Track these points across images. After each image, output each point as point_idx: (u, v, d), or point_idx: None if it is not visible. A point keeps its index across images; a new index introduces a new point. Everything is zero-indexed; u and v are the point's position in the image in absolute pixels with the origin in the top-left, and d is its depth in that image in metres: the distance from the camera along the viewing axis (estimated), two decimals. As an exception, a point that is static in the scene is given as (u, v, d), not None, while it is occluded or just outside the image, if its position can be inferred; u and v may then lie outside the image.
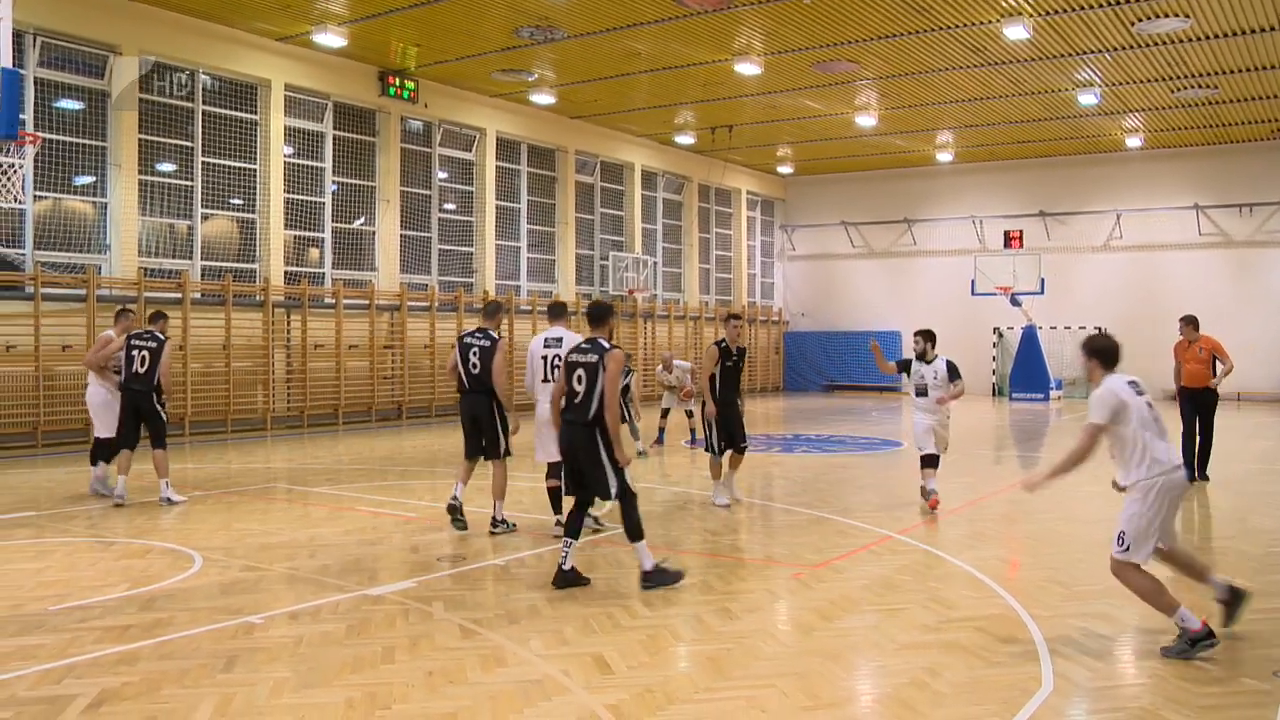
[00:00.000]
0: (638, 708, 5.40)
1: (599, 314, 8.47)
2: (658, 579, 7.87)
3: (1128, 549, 6.43)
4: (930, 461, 11.81)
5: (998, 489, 13.61)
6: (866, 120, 28.03)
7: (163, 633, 6.72)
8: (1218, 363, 14.08)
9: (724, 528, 10.82)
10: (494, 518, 10.10)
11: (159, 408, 11.89)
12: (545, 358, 9.94)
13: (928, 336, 12.65)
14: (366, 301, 22.74)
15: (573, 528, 8.06)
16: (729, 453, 11.95)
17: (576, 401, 8.02)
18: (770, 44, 21.30)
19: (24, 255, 17.75)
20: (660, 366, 18.47)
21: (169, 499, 11.78)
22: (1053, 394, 31.86)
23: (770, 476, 15.03)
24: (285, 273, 21.63)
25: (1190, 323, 14.50)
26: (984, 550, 9.48)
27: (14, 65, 7.11)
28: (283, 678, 5.83)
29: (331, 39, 20.72)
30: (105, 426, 12.17)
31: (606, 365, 7.94)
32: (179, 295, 19.41)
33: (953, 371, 12.21)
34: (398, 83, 23.38)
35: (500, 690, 5.64)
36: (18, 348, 17.32)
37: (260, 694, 5.58)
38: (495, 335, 10.39)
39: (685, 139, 31.38)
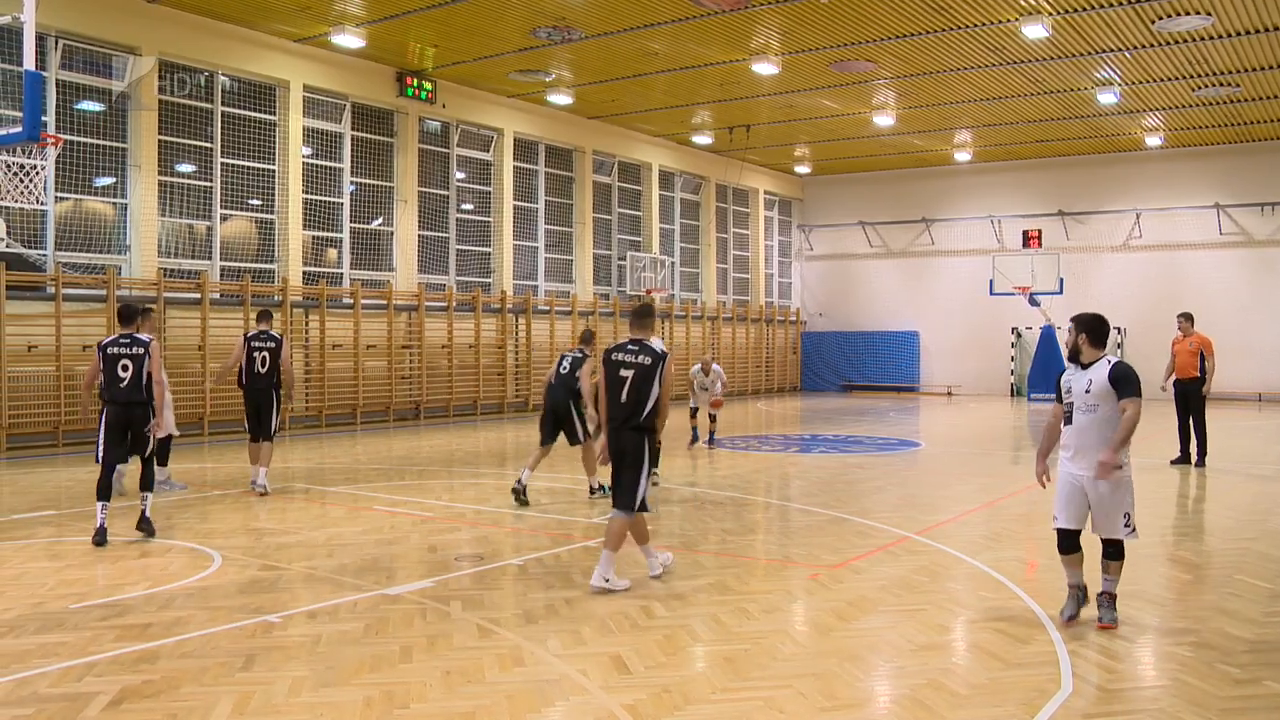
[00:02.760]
0: (655, 708, 5.40)
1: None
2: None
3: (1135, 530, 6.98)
4: (1113, 552, 7.06)
5: (1015, 490, 13.54)
6: (884, 120, 27.96)
7: (182, 631, 6.75)
8: (1204, 360, 15.26)
9: (741, 528, 10.81)
10: (591, 486, 12.18)
11: (276, 404, 12.71)
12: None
13: (1086, 326, 7.19)
14: (384, 302, 22.80)
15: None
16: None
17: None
18: (787, 43, 21.27)
19: (45, 256, 17.87)
20: (698, 366, 18.23)
21: (264, 487, 12.39)
22: (1072, 394, 31.66)
23: (787, 477, 15.01)
24: (303, 273, 21.72)
25: (1187, 318, 16.03)
26: (1002, 551, 9.44)
27: (36, 68, 7.14)
28: (301, 676, 5.85)
29: (350, 40, 20.79)
30: (170, 425, 12.40)
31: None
32: (198, 296, 19.50)
33: (1122, 383, 6.89)
34: (415, 83, 23.44)
35: (518, 690, 5.65)
36: (39, 348, 17.43)
37: (279, 692, 5.60)
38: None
39: (702, 139, 31.36)
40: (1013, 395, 33.94)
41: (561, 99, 26.09)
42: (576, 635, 6.68)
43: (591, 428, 11.62)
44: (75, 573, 8.44)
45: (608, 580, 7.74)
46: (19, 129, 7.34)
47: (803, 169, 36.98)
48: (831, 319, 38.42)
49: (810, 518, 11.25)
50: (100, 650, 6.33)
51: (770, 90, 25.12)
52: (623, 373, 7.93)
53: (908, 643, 6.58)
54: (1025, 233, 33.91)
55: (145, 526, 9.80)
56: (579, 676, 5.87)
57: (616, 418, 7.95)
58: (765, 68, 22.62)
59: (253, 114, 21.09)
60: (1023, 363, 33.98)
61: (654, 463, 8.18)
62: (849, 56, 22.05)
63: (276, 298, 20.73)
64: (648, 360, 7.88)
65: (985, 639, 6.64)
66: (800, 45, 21.31)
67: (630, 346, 8.01)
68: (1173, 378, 15.84)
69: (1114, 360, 7.06)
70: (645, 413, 7.86)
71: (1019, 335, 34.25)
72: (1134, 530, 6.94)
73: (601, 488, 11.91)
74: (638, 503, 7.87)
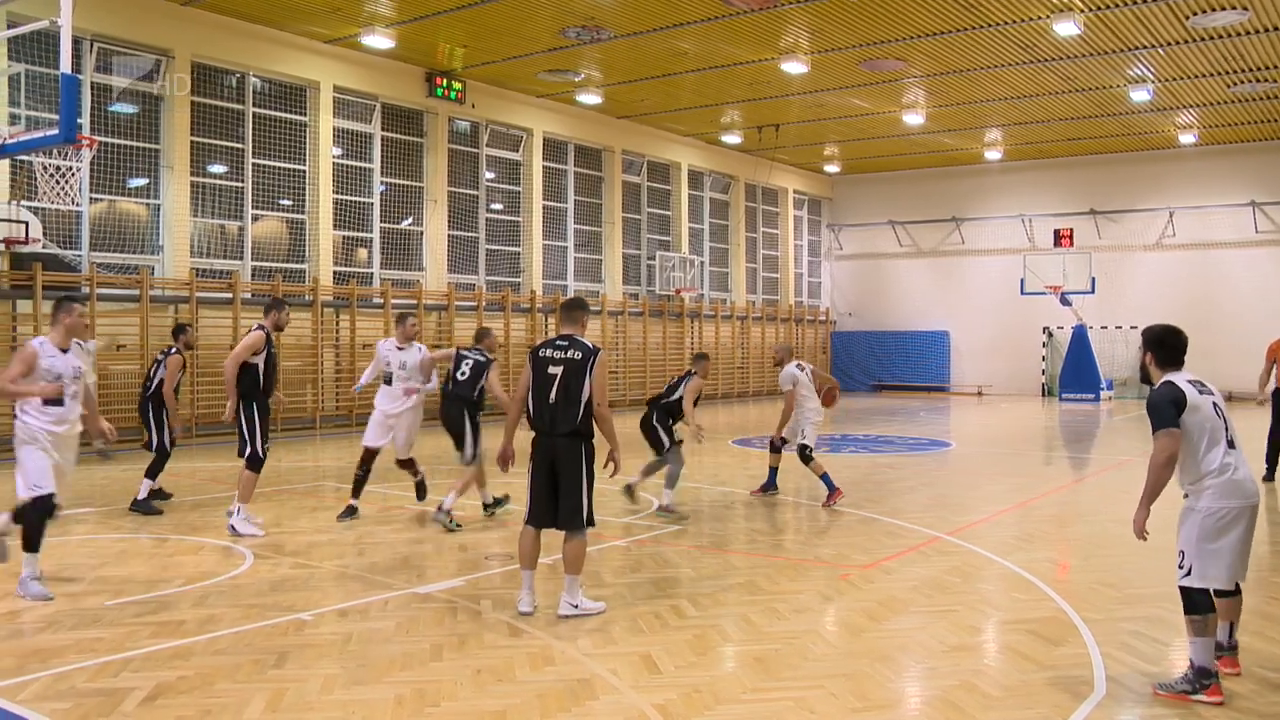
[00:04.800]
0: (686, 708, 5.40)
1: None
2: None
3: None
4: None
5: (1047, 490, 13.46)
6: (914, 118, 27.84)
7: (215, 628, 6.81)
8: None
9: (771, 528, 10.80)
10: (484, 502, 11.16)
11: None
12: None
13: (1154, 341, 6.04)
14: (414, 301, 22.89)
15: None
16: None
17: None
18: (817, 42, 21.20)
19: (80, 256, 18.05)
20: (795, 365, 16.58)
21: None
22: (1103, 394, 31.47)
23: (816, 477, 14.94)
24: (334, 273, 21.84)
25: None
26: (1034, 552, 9.38)
27: (72, 71, 7.22)
28: (332, 674, 5.89)
29: (379, 41, 20.89)
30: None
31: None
32: (229, 295, 19.65)
33: (1149, 415, 5.84)
34: (445, 84, 23.53)
35: (548, 689, 5.66)
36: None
37: (311, 690, 5.64)
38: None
39: (732, 138, 31.32)
40: (1044, 395, 33.70)
41: (591, 99, 26.12)
42: (607, 635, 6.68)
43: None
44: (111, 569, 8.53)
45: (576, 606, 7.10)
46: (55, 131, 7.41)
47: (832, 168, 36.86)
48: (861, 319, 38.28)
49: (840, 518, 11.22)
50: (136, 646, 6.39)
51: (799, 89, 25.05)
52: (551, 370, 7.17)
53: (939, 644, 6.55)
54: (1057, 231, 33.68)
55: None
56: (609, 676, 5.88)
57: (544, 422, 7.17)
58: (794, 67, 22.56)
59: (283, 115, 21.23)
60: (1054, 363, 33.74)
61: (592, 476, 7.23)
62: (879, 55, 21.95)
63: (307, 297, 20.85)
64: (578, 355, 7.16)
65: (1017, 640, 6.60)
66: (829, 44, 21.24)
67: (560, 342, 7.28)
68: (1273, 385, 13.97)
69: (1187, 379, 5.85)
70: (580, 415, 7.09)
71: (1050, 335, 34.01)
72: (1187, 573, 5.69)
73: (496, 501, 11.09)
74: (587, 516, 7.15)
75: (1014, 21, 19.50)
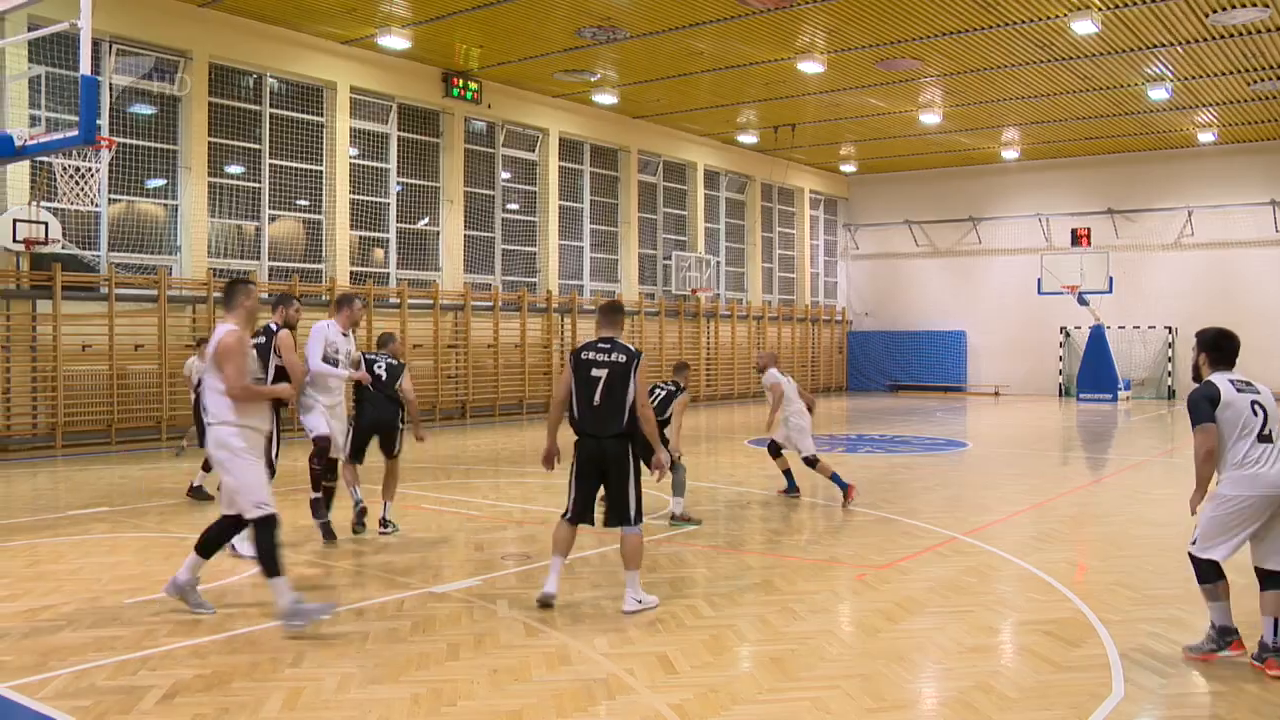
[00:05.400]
0: (702, 707, 5.39)
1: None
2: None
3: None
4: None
5: (1064, 491, 13.41)
6: (930, 118, 27.79)
7: (232, 627, 6.84)
8: None
9: (788, 528, 10.78)
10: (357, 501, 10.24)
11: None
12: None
13: (1209, 344, 6.40)
14: (431, 301, 22.94)
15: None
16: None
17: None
18: (832, 42, 21.18)
19: (99, 257, 18.15)
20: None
21: None
22: (1121, 394, 31.32)
23: (833, 477, 14.93)
24: (351, 273, 21.90)
25: None
26: (1051, 553, 9.33)
27: (91, 72, 7.24)
28: (349, 673, 5.90)
29: (395, 41, 20.95)
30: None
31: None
32: (248, 295, 19.68)
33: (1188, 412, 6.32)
34: (461, 84, 23.58)
35: (565, 689, 5.66)
36: (93, 347, 17.71)
37: (327, 688, 5.65)
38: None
39: (747, 138, 31.30)
40: (1061, 395, 33.57)
41: (606, 99, 26.14)
42: (623, 634, 6.68)
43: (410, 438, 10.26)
44: (130, 568, 8.58)
45: (640, 601, 7.30)
46: (75, 133, 7.43)
47: (848, 168, 36.80)
48: (878, 318, 38.20)
49: (856, 518, 11.19)
50: (154, 645, 6.42)
51: (815, 89, 25.03)
52: (594, 372, 7.33)
53: (956, 644, 6.53)
54: (1074, 231, 33.53)
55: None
56: (626, 676, 5.88)
57: (590, 424, 7.33)
58: (810, 66, 22.54)
59: (300, 115, 21.30)
60: (1071, 363, 33.61)
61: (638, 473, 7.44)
62: (895, 54, 21.92)
63: (324, 297, 20.91)
64: (622, 359, 7.34)
65: (1034, 642, 6.57)
66: (845, 44, 21.21)
67: (602, 345, 7.44)
68: None
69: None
70: (626, 417, 7.28)
71: (1068, 335, 33.87)
72: (1193, 542, 6.21)
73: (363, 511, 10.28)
74: (636, 514, 7.33)
75: (1031, 20, 19.44)
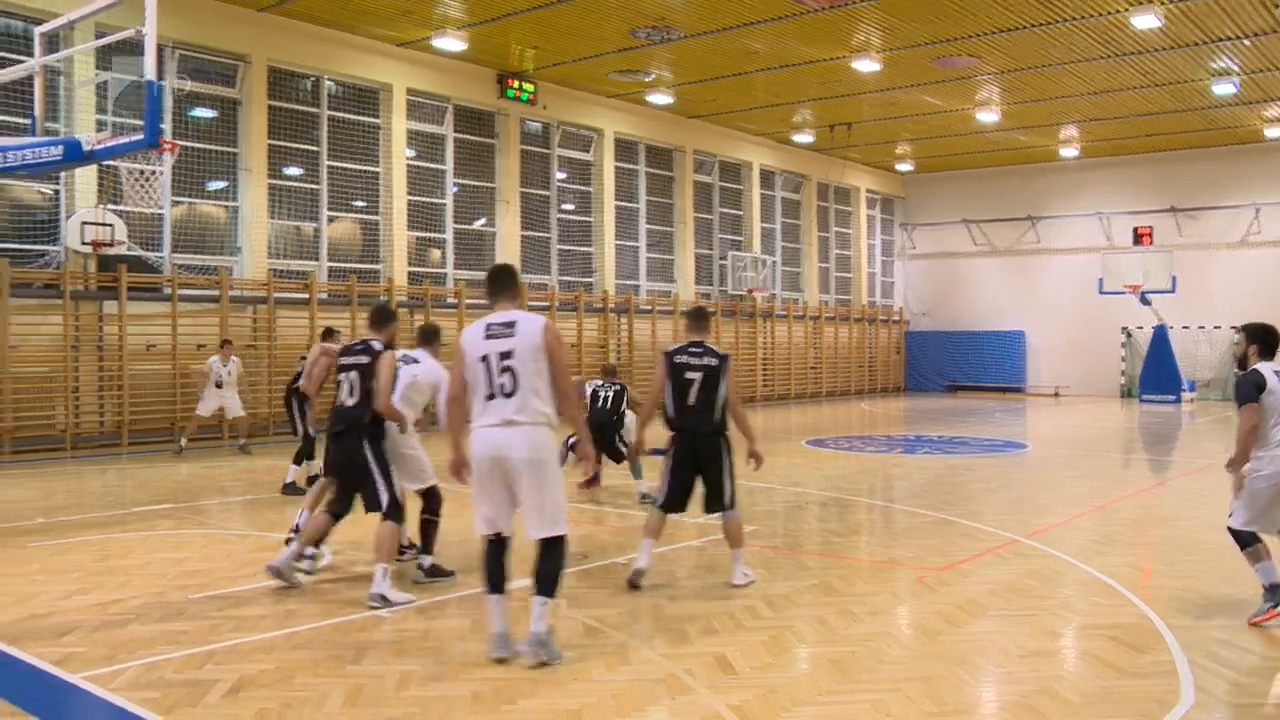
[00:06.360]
0: (761, 709, 5.37)
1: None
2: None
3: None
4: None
5: (1127, 493, 13.20)
6: (988, 116, 27.49)
7: (294, 623, 6.92)
8: None
9: (846, 529, 10.73)
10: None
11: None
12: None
13: (1258, 337, 7.29)
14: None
15: None
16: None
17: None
18: (888, 40, 21.01)
19: (162, 258, 18.46)
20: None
21: None
22: (1185, 395, 30.77)
23: (891, 478, 14.85)
24: (408, 273, 22.08)
25: None
26: (1114, 556, 9.19)
27: (156, 78, 7.36)
28: (409, 670, 5.95)
29: (451, 43, 21.09)
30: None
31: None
32: (306, 296, 19.95)
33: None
34: (516, 85, 23.67)
35: (624, 689, 5.67)
36: (156, 346, 18.02)
37: (388, 685, 5.70)
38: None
39: (803, 137, 31.15)
40: (1123, 397, 33.05)
41: (661, 99, 26.14)
42: (681, 635, 6.68)
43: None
44: (195, 564, 8.71)
45: (746, 575, 7.97)
46: (140, 137, 7.56)
47: (905, 166, 36.52)
48: (935, 318, 37.85)
49: (915, 519, 11.10)
50: (219, 639, 6.52)
51: (871, 87, 24.85)
52: (688, 375, 7.93)
53: (1017, 648, 6.45)
54: (1136, 229, 33.02)
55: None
56: (685, 676, 5.87)
57: (687, 422, 7.94)
58: (866, 65, 22.40)
59: (358, 117, 21.52)
60: (1134, 363, 33.07)
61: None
62: (952, 52, 21.71)
63: (382, 298, 21.11)
64: (714, 362, 7.95)
65: (1098, 647, 6.47)
66: (901, 41, 21.04)
67: (693, 349, 8.01)
68: None
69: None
70: (718, 415, 7.93)
71: (1129, 335, 33.34)
72: (1230, 515, 7.21)
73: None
74: (730, 500, 7.99)
75: (1091, 15, 19.16)
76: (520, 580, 6.65)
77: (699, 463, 7.95)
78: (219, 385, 16.78)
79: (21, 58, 8.35)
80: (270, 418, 19.00)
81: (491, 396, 6.12)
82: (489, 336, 6.18)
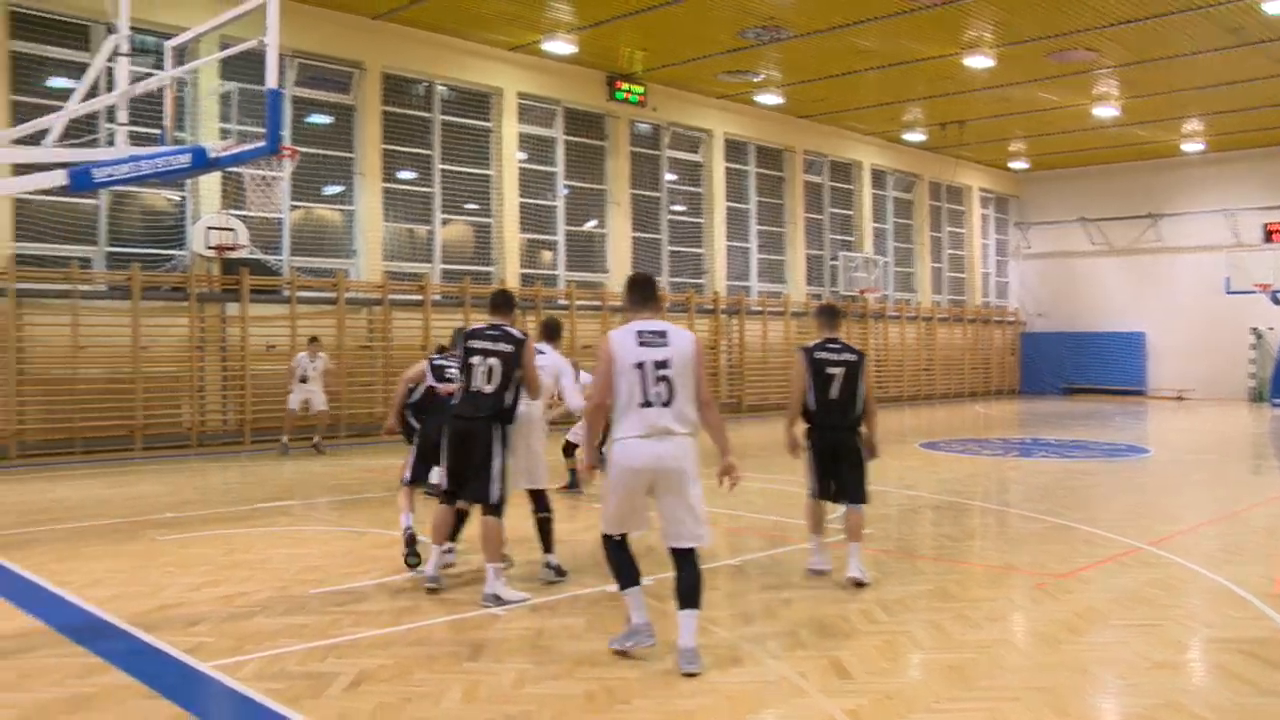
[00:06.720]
0: (877, 714, 5.30)
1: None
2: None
3: None
4: None
5: (1257, 501, 12.71)
6: (1106, 111, 26.75)
7: (411, 620, 7.04)
8: None
9: (961, 533, 10.53)
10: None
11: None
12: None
13: None
14: (599, 303, 23.20)
15: None
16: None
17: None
18: (1002, 35, 20.59)
19: (281, 261, 18.96)
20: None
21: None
22: (1320, 400, 29.53)
23: (1007, 481, 14.54)
24: (520, 275, 22.33)
25: None
26: (1246, 566, 8.84)
27: (276, 86, 7.56)
28: (525, 668, 6.01)
29: (561, 46, 21.29)
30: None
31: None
32: (420, 298, 20.31)
33: None
34: (625, 87, 23.78)
35: (737, 691, 5.64)
36: (276, 347, 18.52)
37: (504, 683, 5.77)
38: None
39: (914, 136, 30.72)
40: (1252, 400, 31.81)
41: (771, 99, 26.02)
42: (795, 638, 6.62)
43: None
44: (314, 560, 8.92)
45: (862, 572, 8.00)
46: (262, 144, 7.77)
47: (1019, 164, 35.73)
48: (1052, 319, 36.93)
49: (1032, 524, 10.85)
50: (339, 634, 6.67)
51: (984, 84, 24.38)
52: (829, 371, 8.22)
53: (1142, 659, 6.24)
54: (1266, 226, 31.78)
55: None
56: (798, 679, 5.82)
57: (828, 416, 8.25)
58: (979, 61, 22.00)
59: (469, 121, 21.84)
60: (1264, 366, 31.82)
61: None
62: (1068, 46, 21.18)
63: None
64: (854, 358, 8.31)
65: (1230, 660, 6.22)
66: (1015, 36, 20.60)
67: (832, 346, 8.31)
68: None
69: None
70: (858, 410, 8.28)
71: (1259, 336, 32.09)
72: None
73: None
74: (864, 493, 8.29)
75: (1218, 3, 18.51)
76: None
77: (838, 456, 8.26)
78: (304, 380, 17.14)
79: (153, 71, 8.59)
80: (382, 416, 19.33)
81: (647, 404, 6.07)
82: (642, 344, 6.12)
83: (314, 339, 17.55)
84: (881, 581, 8.13)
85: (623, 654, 6.20)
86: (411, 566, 8.38)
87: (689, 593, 6.07)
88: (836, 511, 9.31)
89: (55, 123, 8.05)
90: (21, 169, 8.68)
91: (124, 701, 5.48)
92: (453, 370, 8.48)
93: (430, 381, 8.90)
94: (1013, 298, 38.11)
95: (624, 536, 6.33)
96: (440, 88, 21.40)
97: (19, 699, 5.54)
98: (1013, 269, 38.21)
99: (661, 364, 6.08)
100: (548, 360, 8.53)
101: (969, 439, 20.36)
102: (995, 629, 6.90)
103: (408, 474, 9.04)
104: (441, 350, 9.55)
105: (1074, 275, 36.43)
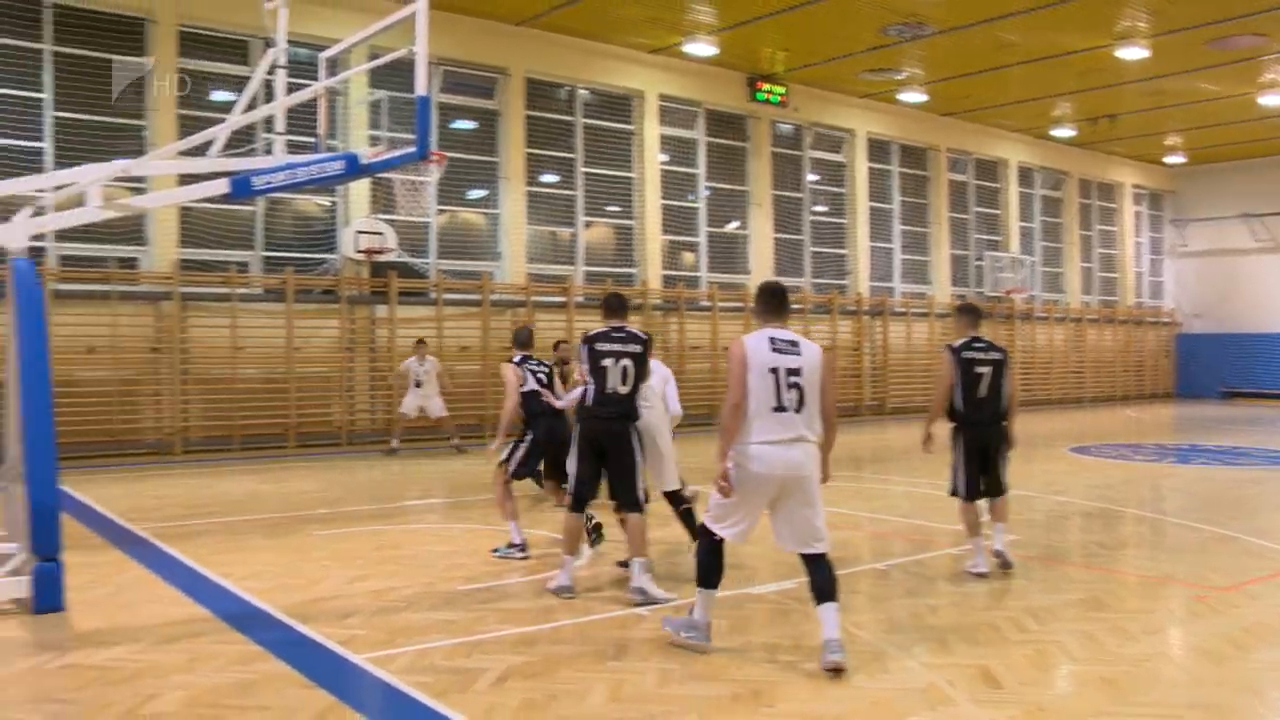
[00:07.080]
0: (1029, 726, 5.16)
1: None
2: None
3: None
4: None
5: None
6: (1272, 99, 25.49)
7: (556, 619, 7.13)
8: None
9: (1114, 541, 10.19)
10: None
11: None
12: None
13: None
14: (741, 305, 23.14)
15: None
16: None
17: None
18: (1157, 24, 19.84)
19: (428, 264, 19.43)
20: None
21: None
22: None
23: (1163, 489, 13.99)
24: (662, 276, 22.43)
25: None
26: None
27: (425, 93, 7.74)
28: (669, 669, 6.02)
29: (702, 48, 21.32)
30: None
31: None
32: (563, 300, 20.57)
33: None
34: (767, 88, 23.69)
35: (883, 696, 5.56)
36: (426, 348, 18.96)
37: (648, 682, 5.79)
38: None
39: (1063, 132, 29.83)
40: None
41: (914, 97, 25.59)
42: (942, 644, 6.49)
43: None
44: (460, 557, 9.12)
45: (1009, 549, 8.52)
46: (411, 149, 7.96)
47: (1174, 159, 34.34)
48: (1210, 320, 35.38)
49: (1192, 534, 10.41)
50: (486, 630, 6.79)
51: (1137, 76, 23.50)
52: (978, 369, 8.44)
53: (1318, 678, 5.94)
54: None
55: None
56: (946, 687, 5.70)
57: (977, 413, 8.47)
58: (1132, 52, 21.25)
59: (611, 124, 22.04)
60: None
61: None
62: (1230, 32, 20.27)
63: (637, 301, 21.51)
64: (1000, 356, 8.56)
65: None
66: (1172, 25, 19.82)
67: (979, 344, 8.54)
68: None
69: None
70: (1004, 406, 8.55)
71: None
72: None
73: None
74: (1006, 484, 8.66)
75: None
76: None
77: (987, 452, 8.51)
78: (417, 385, 17.24)
79: (308, 82, 8.89)
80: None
81: (780, 409, 6.10)
82: (775, 350, 6.16)
83: (420, 341, 17.69)
84: (1029, 589, 7.91)
85: (681, 646, 6.35)
86: (594, 545, 9.08)
87: (827, 587, 6.10)
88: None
89: (218, 134, 8.38)
90: (187, 179, 9.05)
91: (283, 690, 5.68)
92: (543, 374, 9.18)
93: (532, 385, 9.11)
94: (1168, 298, 36.65)
95: (723, 541, 6.39)
96: (582, 91, 21.65)
97: (192, 681, 5.83)
98: (1168, 268, 36.76)
99: (794, 371, 6.14)
100: (656, 365, 8.83)
101: (1121, 444, 19.65)
102: (1152, 642, 6.65)
103: (513, 467, 9.22)
104: (525, 356, 9.39)
105: (1235, 274, 34.82)
